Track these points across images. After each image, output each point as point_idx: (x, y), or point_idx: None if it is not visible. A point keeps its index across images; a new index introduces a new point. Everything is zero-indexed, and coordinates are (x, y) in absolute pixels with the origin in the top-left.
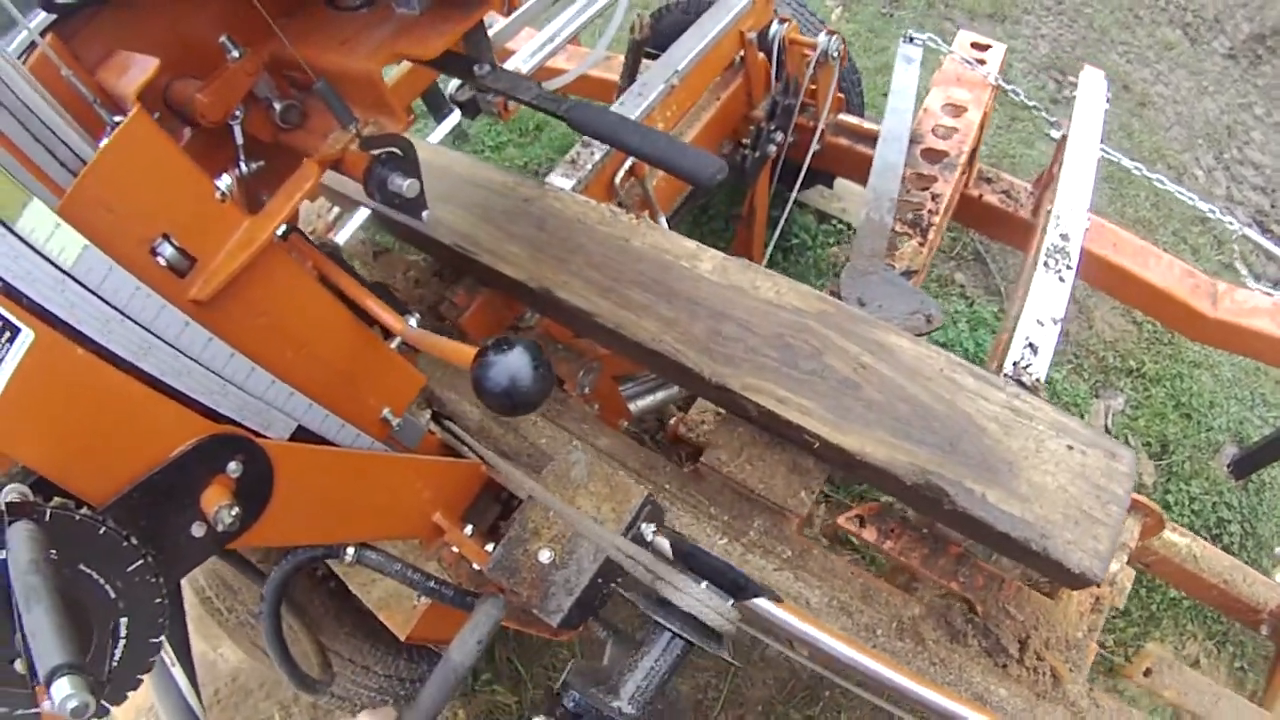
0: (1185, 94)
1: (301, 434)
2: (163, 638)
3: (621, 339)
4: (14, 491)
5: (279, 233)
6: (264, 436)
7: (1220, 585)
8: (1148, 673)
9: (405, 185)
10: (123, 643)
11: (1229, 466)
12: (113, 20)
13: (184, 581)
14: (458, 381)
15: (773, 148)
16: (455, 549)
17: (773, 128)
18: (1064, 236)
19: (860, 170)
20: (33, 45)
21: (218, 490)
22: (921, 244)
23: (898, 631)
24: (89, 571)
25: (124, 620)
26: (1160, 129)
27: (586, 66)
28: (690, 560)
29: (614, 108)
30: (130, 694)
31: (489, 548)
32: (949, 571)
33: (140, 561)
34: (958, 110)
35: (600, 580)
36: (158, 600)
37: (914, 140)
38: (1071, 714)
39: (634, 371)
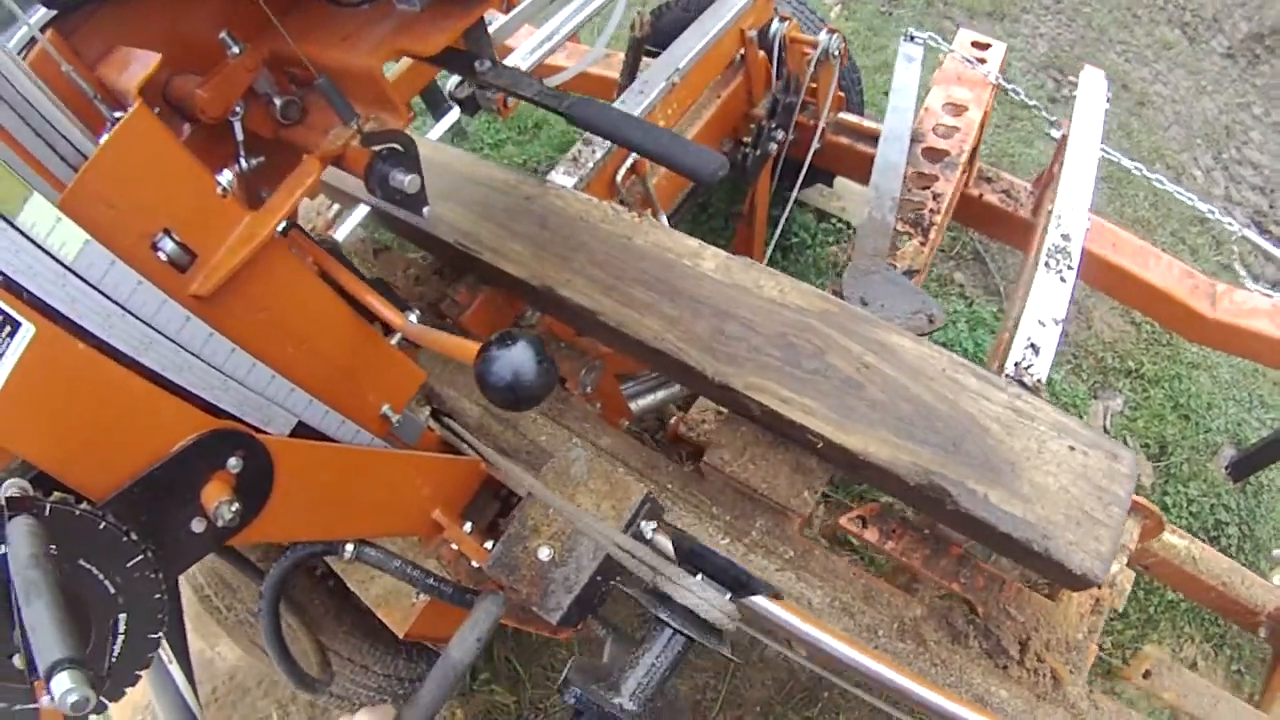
0: (1184, 93)
1: (301, 430)
2: (162, 634)
3: (624, 337)
4: (14, 486)
5: (279, 229)
6: (264, 432)
7: (1219, 587)
8: (1147, 674)
9: (406, 181)
10: (121, 638)
11: (1227, 468)
12: (113, 16)
13: (182, 579)
14: (457, 378)
15: (774, 146)
16: (454, 546)
17: (773, 126)
18: (1065, 236)
19: (861, 169)
20: (32, 41)
21: (218, 486)
22: (923, 243)
23: (899, 632)
24: (88, 567)
25: (123, 616)
26: (1159, 128)
27: (586, 64)
28: (692, 557)
29: (615, 105)
30: (128, 690)
31: (488, 545)
32: (950, 572)
33: (140, 557)
34: (958, 109)
35: (600, 578)
36: (157, 596)
37: (915, 139)
38: (1072, 715)
39: (636, 370)
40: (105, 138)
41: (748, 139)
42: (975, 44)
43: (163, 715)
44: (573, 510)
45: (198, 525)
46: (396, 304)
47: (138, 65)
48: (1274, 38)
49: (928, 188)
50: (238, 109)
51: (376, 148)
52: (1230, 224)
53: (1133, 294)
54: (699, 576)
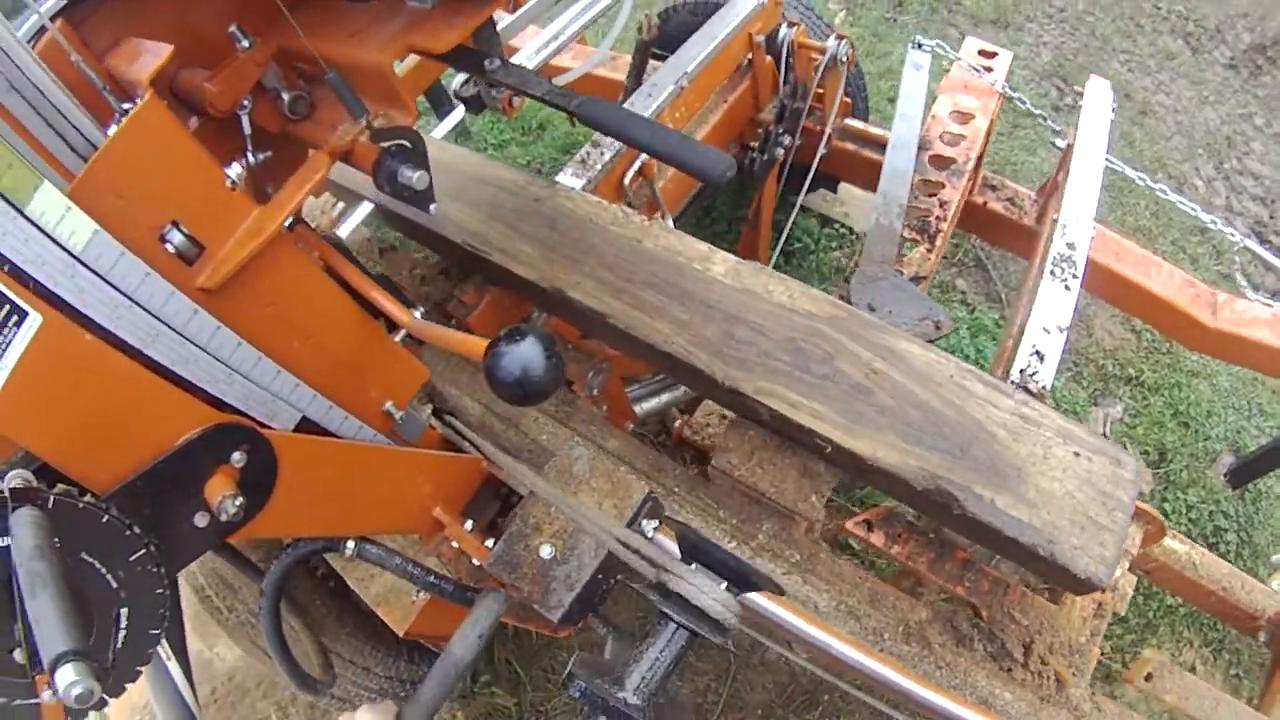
0: (1186, 103)
1: (305, 425)
2: (163, 629)
3: (633, 340)
4: (18, 478)
5: (285, 224)
6: (268, 427)
7: (1219, 592)
8: (1149, 677)
9: (415, 177)
10: (123, 633)
11: (1226, 475)
12: (122, 7)
13: (182, 579)
14: (459, 377)
15: (780, 151)
16: (455, 544)
17: (780, 131)
18: (1070, 245)
19: (866, 175)
20: (41, 30)
21: (222, 480)
22: (929, 250)
23: (904, 636)
24: (90, 560)
25: (124, 610)
26: (1161, 138)
27: (591, 65)
28: (695, 552)
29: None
30: (128, 685)
31: (489, 543)
32: (955, 576)
33: (142, 551)
34: (965, 117)
35: (601, 576)
36: (159, 591)
37: (922, 147)
38: (1075, 718)
39: (643, 373)
40: (116, 128)
41: (754, 144)
42: (982, 53)
43: (161, 715)
44: (574, 505)
45: (201, 520)
46: (401, 301)
47: (149, 56)
48: (1276, 49)
49: (934, 195)
50: (246, 103)
51: (385, 144)
52: (1231, 234)
53: (1134, 302)
54: (695, 567)
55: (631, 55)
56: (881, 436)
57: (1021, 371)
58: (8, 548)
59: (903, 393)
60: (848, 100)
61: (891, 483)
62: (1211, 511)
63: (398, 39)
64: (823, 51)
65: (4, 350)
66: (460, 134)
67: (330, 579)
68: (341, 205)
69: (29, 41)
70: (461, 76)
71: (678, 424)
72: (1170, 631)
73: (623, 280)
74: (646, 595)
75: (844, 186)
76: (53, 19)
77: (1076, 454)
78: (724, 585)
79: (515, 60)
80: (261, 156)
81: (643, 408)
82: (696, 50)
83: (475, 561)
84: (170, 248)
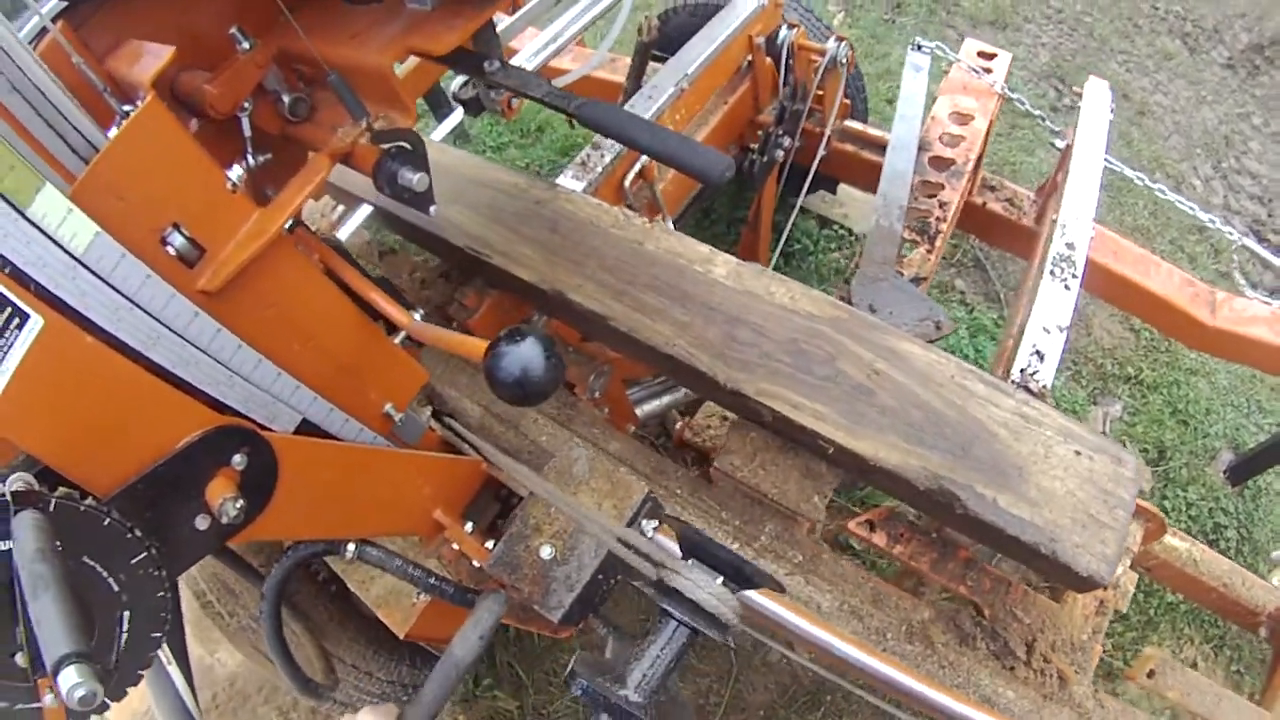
0: (1184, 103)
1: (305, 428)
2: (164, 632)
3: (635, 343)
4: (19, 481)
5: (286, 226)
6: (269, 429)
7: (1219, 589)
8: (1151, 674)
9: (415, 179)
10: (124, 637)
11: (1225, 473)
12: (123, 9)
13: (183, 584)
14: (458, 379)
15: (780, 153)
16: (455, 546)
17: (780, 133)
18: (1070, 245)
19: (866, 177)
20: (42, 32)
21: (223, 482)
22: (929, 251)
23: (907, 635)
24: (92, 564)
25: (126, 614)
26: (1159, 138)
27: (590, 67)
28: (696, 550)
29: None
30: (130, 689)
31: (489, 545)
32: (957, 575)
33: (144, 554)
34: (964, 118)
35: (601, 576)
36: (160, 594)
37: (922, 148)
38: (1078, 715)
39: (644, 375)
40: (117, 130)
41: (754, 145)
42: (981, 54)
43: (162, 718)
44: (574, 506)
45: (202, 522)
46: (401, 303)
47: (150, 58)
48: (1273, 49)
49: (934, 196)
50: (246, 105)
51: (385, 146)
52: (1229, 232)
53: (1134, 302)
54: (692, 563)
55: (631, 57)
56: (883, 437)
57: (1022, 371)
58: (9, 551)
59: (904, 393)
60: (847, 102)
61: (894, 483)
62: (1211, 508)
63: (398, 41)
64: (822, 53)
65: (5, 353)
66: (459, 137)
67: (331, 583)
68: (341, 208)
69: (30, 43)
70: (460, 78)
71: (679, 426)
72: (1171, 628)
73: (624, 283)
74: (646, 593)
75: (843, 188)
76: (54, 20)
77: (1077, 453)
78: (721, 581)
79: (514, 62)
80: (262, 159)
81: (644, 410)
82: (696, 52)
83: (475, 563)
84: (171, 250)
